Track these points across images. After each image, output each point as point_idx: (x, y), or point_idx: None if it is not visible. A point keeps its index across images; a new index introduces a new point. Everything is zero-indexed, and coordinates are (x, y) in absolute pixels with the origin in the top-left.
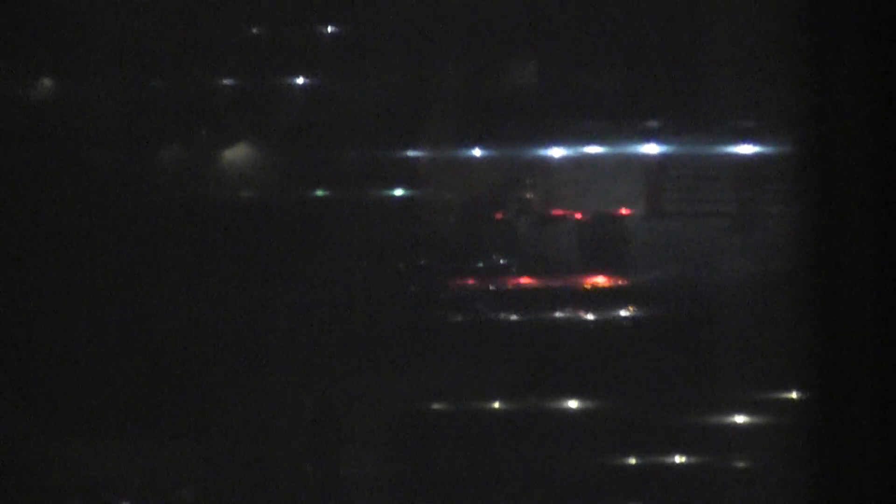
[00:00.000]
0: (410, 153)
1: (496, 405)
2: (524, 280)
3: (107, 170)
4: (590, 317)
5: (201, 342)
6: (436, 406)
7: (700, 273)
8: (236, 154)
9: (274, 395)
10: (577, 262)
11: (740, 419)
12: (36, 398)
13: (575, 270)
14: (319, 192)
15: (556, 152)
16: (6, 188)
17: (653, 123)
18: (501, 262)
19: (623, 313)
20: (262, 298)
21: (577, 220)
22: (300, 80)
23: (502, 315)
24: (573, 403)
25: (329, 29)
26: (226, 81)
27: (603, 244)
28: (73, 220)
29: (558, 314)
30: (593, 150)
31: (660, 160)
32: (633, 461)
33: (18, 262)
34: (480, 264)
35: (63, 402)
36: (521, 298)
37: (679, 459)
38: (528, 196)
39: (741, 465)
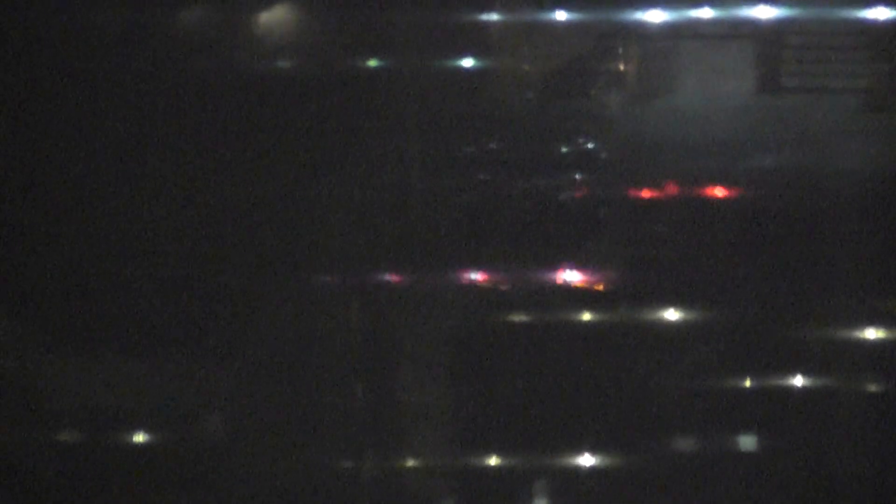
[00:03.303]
0: (481, 16)
1: (583, 317)
2: (615, 166)
3: (116, 35)
4: (690, 209)
5: (230, 243)
6: (508, 317)
7: (824, 161)
8: (273, 17)
9: (316, 304)
10: (676, 145)
11: (870, 333)
12: (40, 312)
13: (673, 155)
14: (372, 63)
15: (654, 16)
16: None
17: None
18: (588, 146)
19: (731, 206)
20: (303, 190)
21: (679, 97)
22: None
23: (588, 207)
24: (672, 315)
25: None
26: None
27: (708, 127)
28: (77, 97)
29: (654, 205)
30: (697, 13)
31: (776, 26)
32: (746, 383)
33: (23, 166)
34: (563, 149)
35: (68, 318)
36: (610, 187)
37: (799, 381)
38: (620, 68)
39: (870, 387)
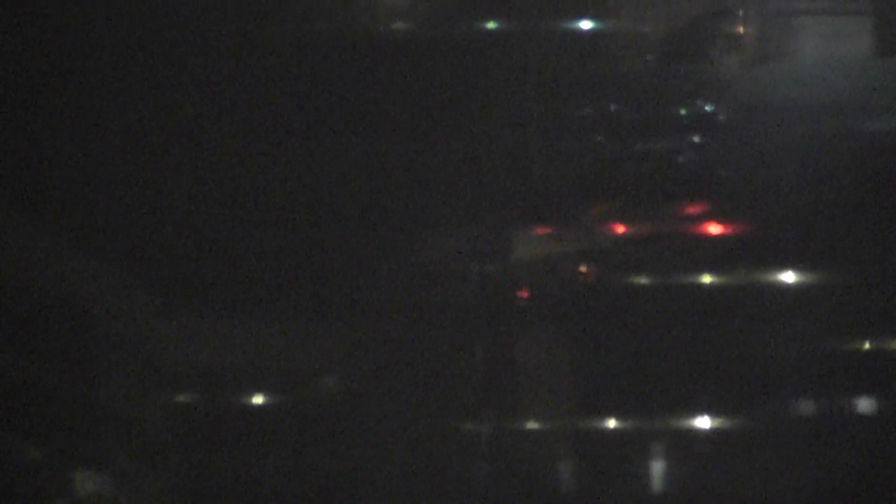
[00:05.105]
0: None
1: (702, 279)
2: (733, 128)
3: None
4: (806, 171)
5: (350, 204)
6: (628, 279)
7: None
8: None
9: (434, 265)
10: (794, 108)
11: None
12: (158, 277)
13: (791, 117)
14: (490, 24)
15: None
16: None
17: None
18: (707, 108)
19: (849, 167)
20: (423, 152)
21: (797, 60)
22: None
23: (706, 169)
24: (789, 277)
25: None
26: None
27: (825, 89)
28: (208, 61)
29: (771, 168)
30: None
31: None
32: (863, 346)
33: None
34: (682, 111)
35: (180, 273)
36: (729, 150)
37: None
38: (738, 30)
39: None
